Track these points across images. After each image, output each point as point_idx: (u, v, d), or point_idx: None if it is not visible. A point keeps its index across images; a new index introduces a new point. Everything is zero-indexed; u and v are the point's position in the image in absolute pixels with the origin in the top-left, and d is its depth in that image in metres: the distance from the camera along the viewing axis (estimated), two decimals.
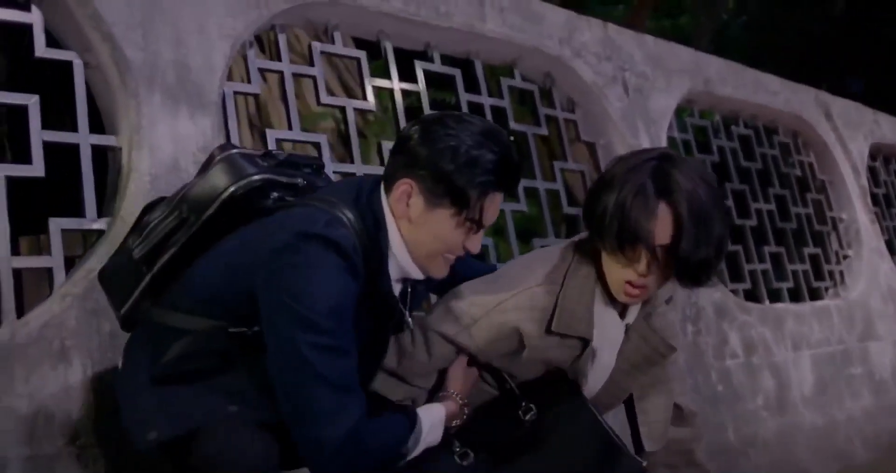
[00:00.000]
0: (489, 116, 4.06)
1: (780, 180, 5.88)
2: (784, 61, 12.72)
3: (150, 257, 2.03)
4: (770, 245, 5.49)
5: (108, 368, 2.47)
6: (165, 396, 1.90)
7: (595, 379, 2.15)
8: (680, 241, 1.86)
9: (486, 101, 4.11)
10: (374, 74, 3.77)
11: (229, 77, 3.17)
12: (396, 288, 2.07)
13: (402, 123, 3.72)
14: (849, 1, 13.07)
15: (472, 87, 4.07)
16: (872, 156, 6.96)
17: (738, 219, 5.35)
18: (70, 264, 2.65)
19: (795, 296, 5.56)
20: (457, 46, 4.09)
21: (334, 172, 3.45)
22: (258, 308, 1.86)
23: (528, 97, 4.51)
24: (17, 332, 2.40)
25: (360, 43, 3.96)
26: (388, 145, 3.65)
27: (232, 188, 1.98)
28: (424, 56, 3.96)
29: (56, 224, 2.64)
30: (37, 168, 2.64)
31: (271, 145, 3.26)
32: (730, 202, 5.31)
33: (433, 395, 2.15)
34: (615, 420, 2.23)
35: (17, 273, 2.55)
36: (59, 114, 3.09)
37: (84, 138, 2.76)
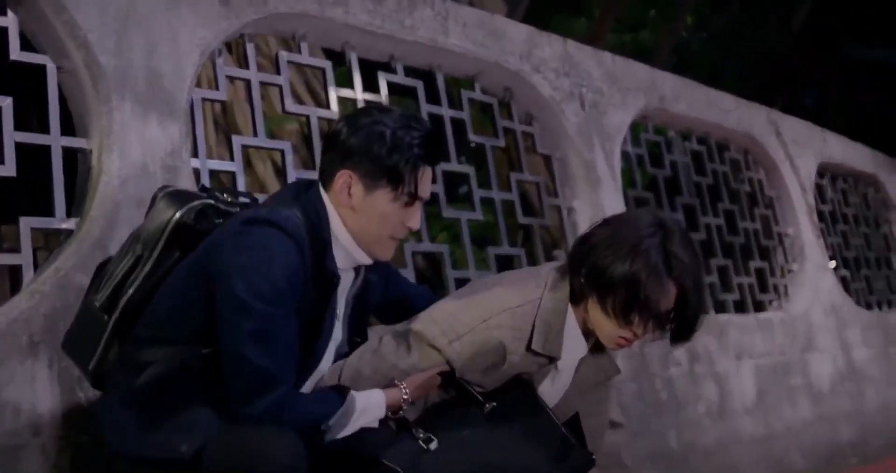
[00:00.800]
0: (449, 128, 4.21)
1: (729, 195, 6.08)
2: (743, 75, 12.97)
3: (110, 301, 2.14)
4: (717, 258, 5.68)
5: (73, 364, 2.56)
6: (175, 411, 2.00)
7: (550, 398, 2.31)
8: (684, 309, 2.14)
9: (447, 112, 4.24)
10: (339, 82, 3.89)
11: (198, 84, 3.27)
12: (348, 277, 2.22)
13: None
14: (808, 16, 13.32)
15: (433, 98, 4.20)
16: (820, 174, 7.19)
17: (688, 232, 5.50)
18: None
19: (740, 308, 5.74)
20: (420, 59, 4.22)
21: (297, 180, 3.57)
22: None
23: (487, 110, 4.64)
24: None
25: (326, 52, 4.06)
26: None
27: (177, 215, 2.13)
28: (388, 68, 4.08)
29: (26, 223, 2.73)
30: (8, 168, 2.73)
31: (236, 151, 3.36)
32: (680, 216, 5.49)
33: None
34: None
35: None
36: (30, 116, 3.16)
37: (55, 140, 2.85)
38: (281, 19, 3.58)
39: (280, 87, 3.61)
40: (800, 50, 13.34)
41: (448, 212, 4.12)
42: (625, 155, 5.19)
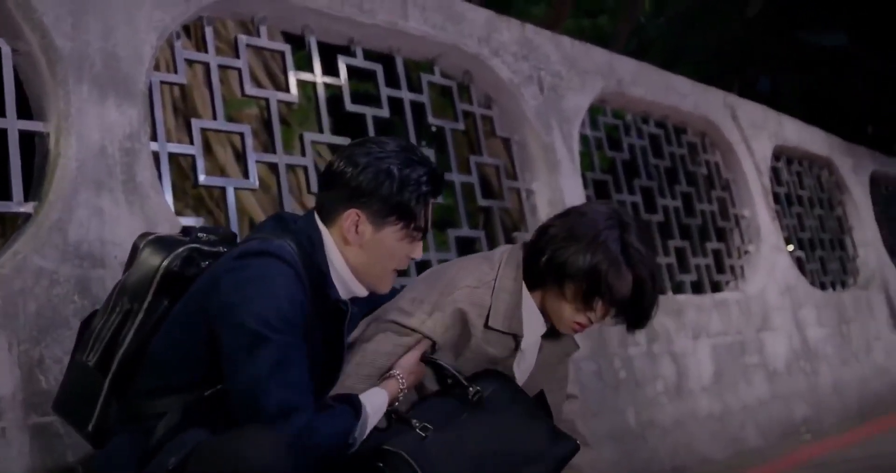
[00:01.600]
0: (409, 111, 4.23)
1: (686, 177, 6.17)
2: (699, 60, 13.09)
3: (104, 360, 2.08)
4: (675, 240, 5.77)
5: (33, 346, 2.57)
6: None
7: (519, 379, 2.39)
8: (640, 298, 2.25)
9: (407, 95, 4.26)
10: (298, 65, 3.90)
11: (156, 67, 3.26)
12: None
13: (325, 115, 3.86)
14: (763, 4, 13.44)
15: (392, 82, 4.21)
16: (776, 156, 7.31)
17: (646, 214, 5.60)
18: None
19: (697, 288, 5.84)
20: (379, 42, 4.24)
21: (257, 162, 3.58)
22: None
23: (447, 93, 4.67)
24: None
25: (285, 35, 4.06)
26: (309, 137, 3.79)
27: (165, 263, 2.09)
28: (348, 51, 4.09)
29: None
30: None
31: (196, 135, 3.36)
32: (638, 198, 5.56)
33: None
34: None
35: None
36: None
37: (12, 124, 2.83)
38: (239, 2, 3.58)
39: (239, 70, 3.61)
40: (755, 36, 13.48)
41: None
42: (583, 138, 5.25)
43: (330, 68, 3.97)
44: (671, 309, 5.22)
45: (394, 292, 2.39)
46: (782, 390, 6.01)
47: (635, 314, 2.30)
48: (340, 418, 2.01)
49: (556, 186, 4.74)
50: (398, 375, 2.20)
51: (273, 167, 3.67)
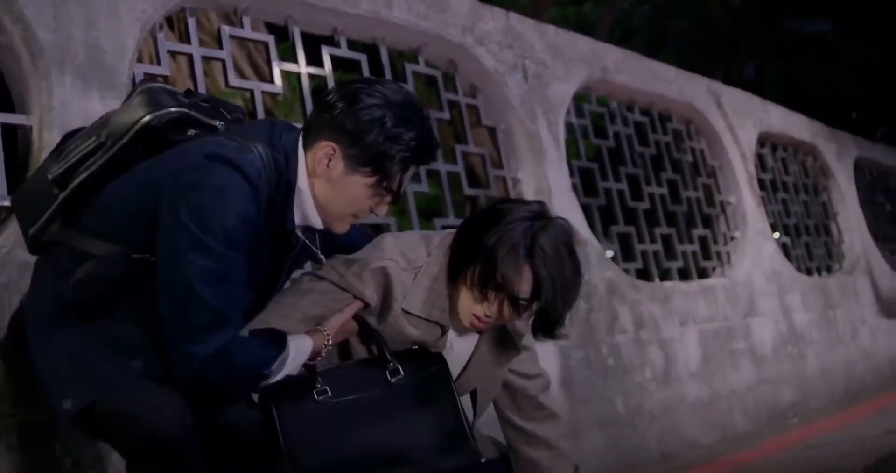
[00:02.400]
0: None
1: (672, 165, 6.19)
2: (684, 47, 13.12)
3: (63, 178, 2.08)
4: (661, 227, 5.79)
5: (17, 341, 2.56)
6: (71, 350, 1.99)
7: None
8: (538, 299, 2.10)
9: None
10: (282, 55, 3.88)
11: (139, 59, 3.25)
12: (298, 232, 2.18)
13: (309, 106, 3.84)
14: None
15: (377, 72, 4.20)
16: (761, 143, 7.33)
17: (632, 201, 5.62)
18: None
19: (684, 275, 5.86)
20: (363, 32, 4.22)
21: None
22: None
23: (432, 83, 4.66)
24: None
25: (269, 26, 4.04)
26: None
27: (147, 118, 2.06)
28: (331, 41, 4.08)
29: None
30: None
31: None
32: (624, 186, 5.57)
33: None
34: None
35: None
36: None
37: None
38: None
39: (223, 61, 3.60)
40: (739, 23, 13.53)
41: None
42: (569, 126, 5.25)
43: (314, 59, 3.96)
44: (658, 296, 5.24)
45: (349, 237, 2.32)
46: (769, 374, 6.05)
47: (538, 319, 2.15)
48: (263, 348, 1.99)
49: (542, 174, 4.74)
50: (325, 331, 2.13)
51: None
